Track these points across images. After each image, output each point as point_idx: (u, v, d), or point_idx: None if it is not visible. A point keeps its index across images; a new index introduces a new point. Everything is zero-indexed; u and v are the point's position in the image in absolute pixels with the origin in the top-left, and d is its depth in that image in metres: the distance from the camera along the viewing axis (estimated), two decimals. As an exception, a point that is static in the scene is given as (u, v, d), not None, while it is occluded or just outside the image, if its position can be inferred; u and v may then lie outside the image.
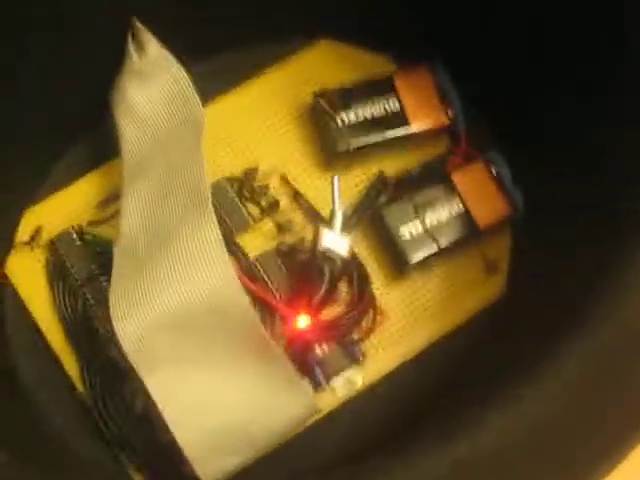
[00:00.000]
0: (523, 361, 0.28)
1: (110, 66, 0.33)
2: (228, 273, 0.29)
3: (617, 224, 0.28)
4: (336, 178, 0.34)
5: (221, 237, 0.30)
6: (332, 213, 0.34)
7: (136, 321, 0.29)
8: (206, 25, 0.35)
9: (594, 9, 0.30)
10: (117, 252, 0.31)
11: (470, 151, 0.36)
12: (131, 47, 0.33)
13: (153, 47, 0.33)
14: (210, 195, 0.31)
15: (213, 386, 0.30)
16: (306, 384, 0.32)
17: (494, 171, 0.35)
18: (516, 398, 0.25)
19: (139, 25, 0.33)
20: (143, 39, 0.33)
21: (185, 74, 0.33)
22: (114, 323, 0.29)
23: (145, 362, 0.30)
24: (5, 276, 0.35)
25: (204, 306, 0.29)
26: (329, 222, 0.34)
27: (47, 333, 0.34)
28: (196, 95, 0.33)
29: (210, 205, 0.30)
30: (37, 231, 0.35)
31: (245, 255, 0.35)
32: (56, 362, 0.34)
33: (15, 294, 0.35)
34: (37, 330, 0.35)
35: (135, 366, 0.30)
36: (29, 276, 0.35)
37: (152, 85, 0.33)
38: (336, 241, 0.33)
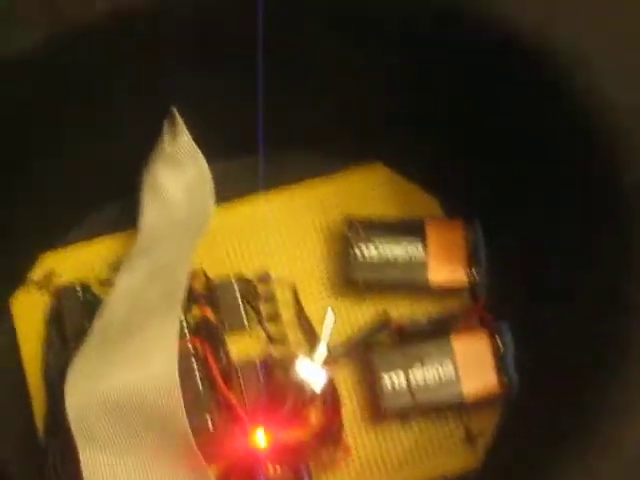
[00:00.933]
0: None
1: (146, 143, 0.35)
2: (173, 381, 0.30)
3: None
4: (330, 311, 0.34)
5: (176, 344, 0.30)
6: (317, 343, 0.34)
7: (83, 394, 0.31)
8: (254, 124, 0.36)
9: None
10: (95, 322, 0.33)
11: (484, 316, 0.36)
12: (165, 133, 0.34)
13: (184, 137, 0.34)
14: (181, 301, 0.32)
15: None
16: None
17: (499, 343, 0.35)
18: None
19: (176, 114, 0.34)
20: (177, 128, 0.34)
21: (208, 171, 0.35)
22: (65, 390, 0.31)
23: (83, 435, 0.31)
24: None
25: (145, 401, 0.30)
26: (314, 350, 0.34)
27: (28, 373, 0.36)
28: (213, 194, 0.34)
29: (179, 311, 0.31)
30: (49, 275, 0.36)
31: (228, 356, 0.35)
32: (27, 401, 0.35)
33: (12, 327, 0.36)
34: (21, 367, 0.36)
35: (75, 436, 0.31)
36: (30, 314, 0.36)
37: (178, 172, 0.35)
38: (312, 372, 0.33)
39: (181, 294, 0.32)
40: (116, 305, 0.33)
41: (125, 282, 0.33)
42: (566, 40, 0.29)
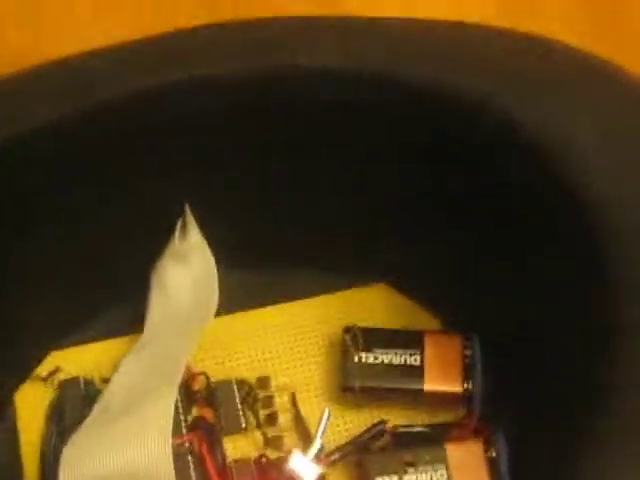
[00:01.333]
0: None
1: (158, 244, 0.37)
2: (167, 463, 0.31)
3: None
4: (326, 412, 0.35)
5: (169, 437, 0.31)
6: (312, 440, 0.34)
7: (76, 467, 0.31)
8: (271, 237, 0.38)
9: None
10: (95, 407, 0.34)
11: (479, 427, 0.36)
12: (177, 229, 0.36)
13: (194, 233, 0.36)
14: (176, 395, 0.33)
15: None
16: None
17: (493, 454, 0.35)
18: None
19: (188, 211, 0.36)
20: (188, 224, 0.36)
21: (214, 265, 0.36)
22: (60, 465, 0.31)
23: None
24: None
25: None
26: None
27: (26, 468, 0.36)
28: (217, 292, 0.36)
29: (172, 405, 0.32)
30: (55, 372, 0.37)
31: (223, 455, 0.35)
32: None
33: (14, 420, 0.37)
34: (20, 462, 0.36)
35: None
36: (32, 410, 0.37)
37: (185, 267, 0.36)
38: (305, 467, 0.33)
39: (178, 379, 0.33)
40: (115, 393, 0.34)
41: (126, 369, 0.35)
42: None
